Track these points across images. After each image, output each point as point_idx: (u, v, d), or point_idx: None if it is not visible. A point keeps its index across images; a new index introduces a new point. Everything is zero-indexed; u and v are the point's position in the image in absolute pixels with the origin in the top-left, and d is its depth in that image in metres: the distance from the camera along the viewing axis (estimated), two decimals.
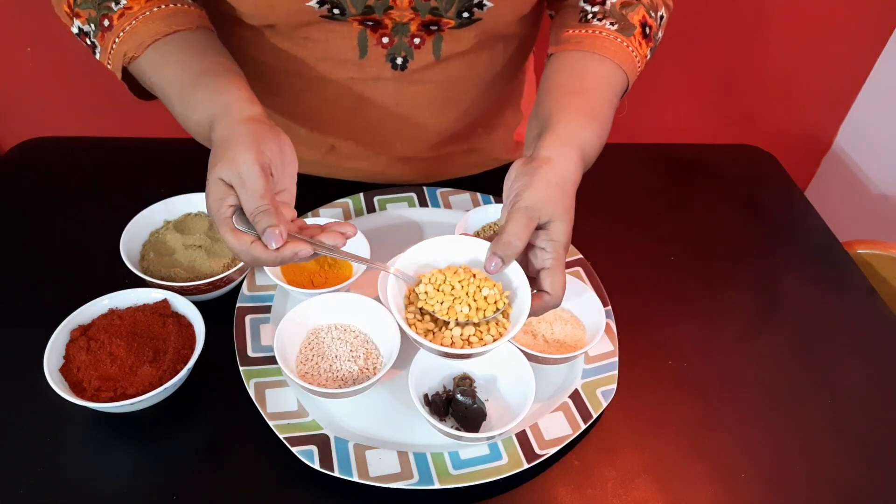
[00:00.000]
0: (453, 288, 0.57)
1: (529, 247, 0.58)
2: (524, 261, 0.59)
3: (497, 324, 0.57)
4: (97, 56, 0.66)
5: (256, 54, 0.75)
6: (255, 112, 0.60)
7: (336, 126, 0.83)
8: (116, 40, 0.63)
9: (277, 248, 0.54)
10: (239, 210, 0.56)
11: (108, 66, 0.65)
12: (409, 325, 0.56)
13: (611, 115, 0.67)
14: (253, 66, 0.75)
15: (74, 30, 0.66)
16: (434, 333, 0.56)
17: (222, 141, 0.57)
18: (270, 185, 0.55)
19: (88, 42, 0.66)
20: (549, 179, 0.57)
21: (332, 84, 0.76)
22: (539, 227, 0.57)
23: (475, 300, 0.56)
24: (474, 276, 0.57)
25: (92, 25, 0.64)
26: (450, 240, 0.60)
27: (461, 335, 0.56)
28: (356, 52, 0.72)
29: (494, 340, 0.55)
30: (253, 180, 0.54)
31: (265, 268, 0.71)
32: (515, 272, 0.57)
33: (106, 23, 0.63)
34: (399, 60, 0.73)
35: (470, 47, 0.74)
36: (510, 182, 0.59)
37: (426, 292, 0.57)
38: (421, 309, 0.58)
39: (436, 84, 0.78)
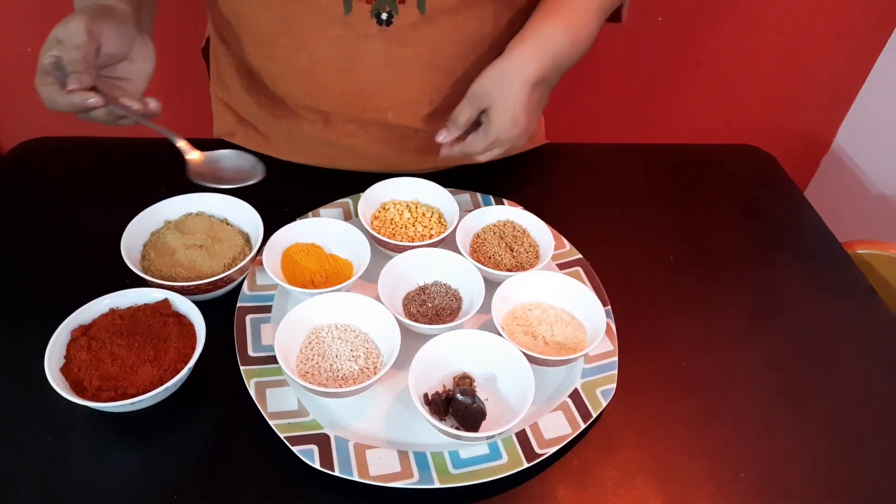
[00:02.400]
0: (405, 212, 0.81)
1: (476, 126, 0.76)
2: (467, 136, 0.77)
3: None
4: None
5: (249, 16, 0.78)
6: (121, 6, 0.68)
7: (329, 91, 0.83)
8: None
9: (70, 91, 0.61)
10: (59, 65, 0.62)
11: None
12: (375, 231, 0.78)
13: (587, 15, 0.75)
14: (247, 31, 0.80)
15: None
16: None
17: (70, 14, 0.65)
18: (91, 48, 0.63)
19: None
20: (492, 70, 0.73)
21: (323, 44, 0.77)
22: (484, 111, 0.74)
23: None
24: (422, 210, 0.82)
25: None
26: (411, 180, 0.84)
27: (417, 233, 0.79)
28: (341, 8, 0.74)
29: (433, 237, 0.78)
30: (74, 36, 0.62)
31: (266, 268, 0.71)
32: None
33: None
34: (384, 16, 0.75)
35: (456, 3, 0.75)
36: None
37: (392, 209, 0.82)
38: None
39: (424, 45, 0.78)
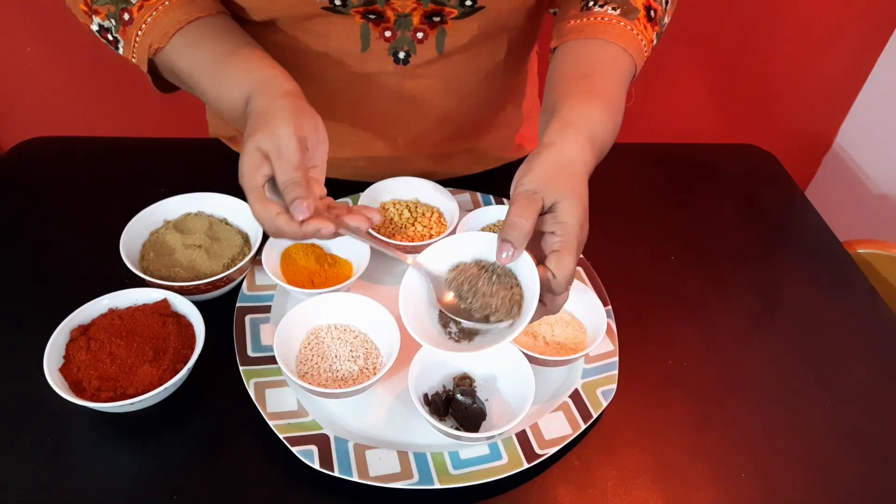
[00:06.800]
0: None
1: (539, 234, 0.55)
2: (535, 250, 0.55)
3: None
4: (120, 51, 0.66)
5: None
6: (293, 88, 0.61)
7: (338, 122, 0.83)
8: (139, 33, 0.63)
9: (302, 221, 0.54)
10: (271, 181, 0.56)
11: (133, 60, 0.66)
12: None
13: (621, 97, 0.64)
14: None
15: (94, 27, 0.67)
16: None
17: (262, 113, 0.58)
18: (305, 159, 0.56)
19: (110, 38, 0.66)
20: (550, 161, 0.55)
21: (334, 79, 0.76)
22: (547, 213, 0.54)
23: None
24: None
25: (112, 21, 0.65)
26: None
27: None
28: (358, 46, 0.72)
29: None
30: (290, 152, 0.55)
31: (265, 267, 0.71)
32: (527, 266, 0.54)
33: (126, 16, 0.64)
34: (401, 55, 0.73)
35: (472, 39, 0.74)
36: (516, 174, 0.57)
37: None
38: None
39: (438, 78, 0.77)
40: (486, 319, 0.55)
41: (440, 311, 0.57)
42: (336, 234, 0.56)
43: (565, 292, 0.54)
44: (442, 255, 0.58)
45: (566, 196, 0.53)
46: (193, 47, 0.64)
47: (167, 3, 0.63)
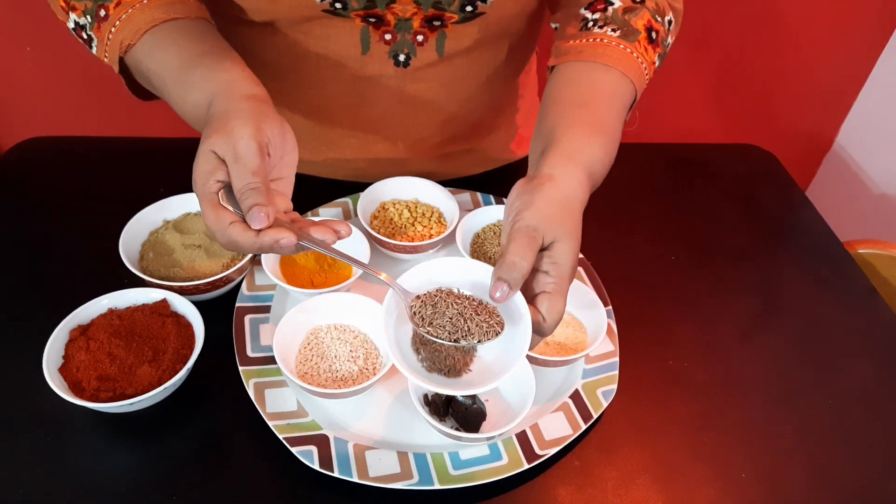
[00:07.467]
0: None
1: (532, 271, 0.53)
2: (525, 287, 0.53)
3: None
4: (93, 50, 0.64)
5: (257, 53, 0.75)
6: (259, 91, 0.58)
7: (338, 125, 0.83)
8: (112, 30, 0.61)
9: (258, 232, 0.51)
10: (227, 188, 0.53)
11: (105, 59, 0.63)
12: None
13: (619, 128, 0.63)
14: (254, 66, 0.73)
15: (70, 24, 0.65)
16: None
17: (221, 114, 0.54)
18: (265, 165, 0.53)
19: (85, 36, 0.64)
20: (552, 197, 0.54)
21: (334, 82, 0.76)
22: (542, 250, 0.52)
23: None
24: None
25: (88, 17, 0.63)
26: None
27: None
28: (358, 49, 0.72)
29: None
30: (248, 156, 0.51)
31: (265, 267, 0.71)
32: (519, 307, 0.52)
33: (102, 13, 0.62)
34: (402, 58, 0.73)
35: (473, 43, 0.73)
36: (510, 202, 0.55)
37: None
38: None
39: (438, 82, 0.77)
40: (456, 342, 0.53)
41: (413, 333, 0.55)
42: (299, 248, 0.53)
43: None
44: (427, 281, 0.56)
45: (565, 237, 0.52)
46: (164, 46, 0.61)
47: (145, 1, 0.61)
